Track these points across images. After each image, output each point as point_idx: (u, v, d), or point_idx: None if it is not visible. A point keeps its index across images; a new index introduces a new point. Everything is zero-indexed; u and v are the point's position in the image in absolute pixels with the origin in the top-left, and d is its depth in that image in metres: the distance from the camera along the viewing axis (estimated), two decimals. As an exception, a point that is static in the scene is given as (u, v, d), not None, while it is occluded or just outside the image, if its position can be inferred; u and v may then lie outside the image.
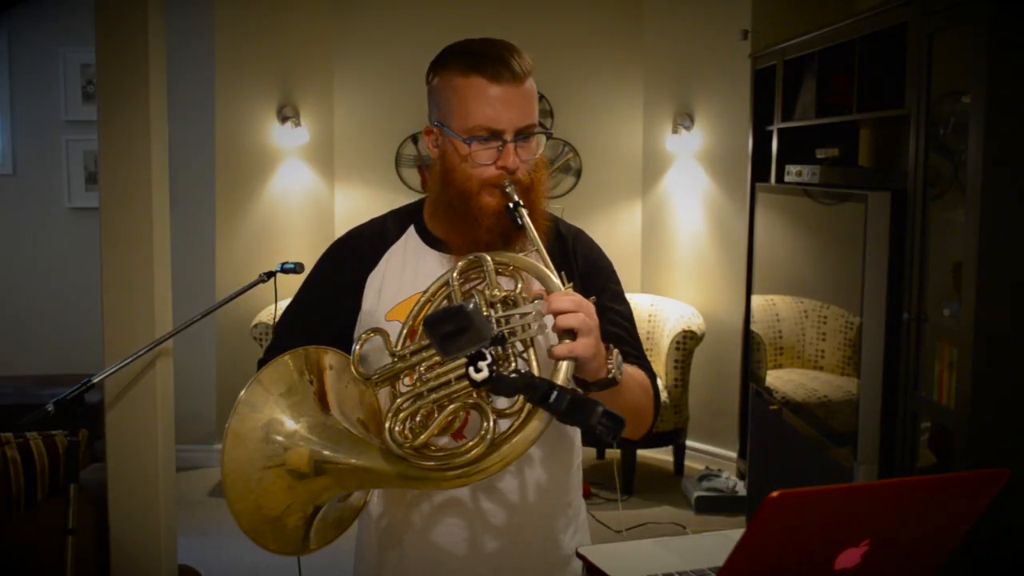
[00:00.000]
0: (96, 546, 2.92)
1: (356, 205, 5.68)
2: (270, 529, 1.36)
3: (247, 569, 3.91)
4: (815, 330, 3.50)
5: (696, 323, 4.93)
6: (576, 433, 1.64)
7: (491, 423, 1.28)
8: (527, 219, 1.42)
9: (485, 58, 1.46)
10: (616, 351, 1.34)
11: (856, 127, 3.81)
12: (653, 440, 4.92)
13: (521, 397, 1.28)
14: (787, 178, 4.02)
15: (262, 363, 1.55)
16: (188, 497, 4.71)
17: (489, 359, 1.23)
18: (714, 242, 5.21)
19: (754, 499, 4.18)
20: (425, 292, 1.43)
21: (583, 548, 1.45)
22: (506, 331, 1.30)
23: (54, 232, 5.43)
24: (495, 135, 1.46)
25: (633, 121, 5.60)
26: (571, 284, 1.35)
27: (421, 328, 1.37)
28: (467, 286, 1.40)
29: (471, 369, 1.23)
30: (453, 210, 1.50)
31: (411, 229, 1.61)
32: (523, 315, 1.30)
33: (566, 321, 1.26)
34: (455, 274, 1.40)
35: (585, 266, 1.60)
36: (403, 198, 5.62)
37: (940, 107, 2.90)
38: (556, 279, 1.35)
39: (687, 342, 4.83)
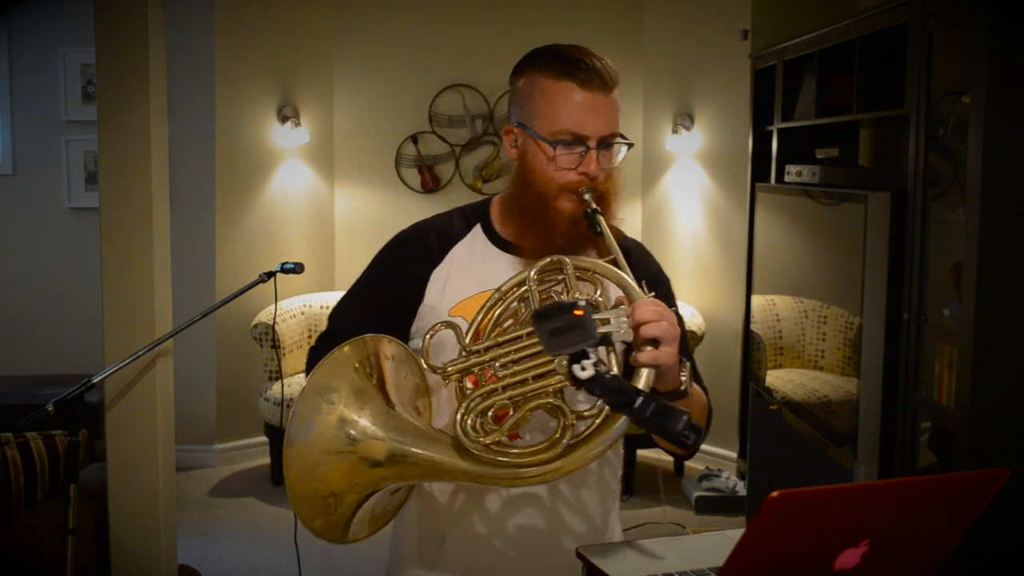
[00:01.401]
0: (96, 546, 2.92)
1: (356, 205, 5.68)
2: (319, 506, 1.37)
3: (247, 569, 3.91)
4: (815, 330, 3.50)
5: (696, 323, 4.93)
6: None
7: (569, 425, 1.30)
8: (605, 226, 1.43)
9: (577, 64, 1.47)
10: (688, 363, 1.37)
11: (856, 127, 3.80)
12: (652, 440, 4.91)
13: (599, 401, 1.29)
14: (787, 178, 4.02)
15: (314, 350, 1.58)
16: (188, 497, 4.71)
17: (594, 358, 1.22)
18: (714, 242, 5.21)
19: (754, 499, 4.18)
20: (498, 290, 1.43)
21: (583, 548, 1.45)
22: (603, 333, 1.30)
23: (54, 232, 5.43)
24: (580, 140, 1.47)
25: (633, 121, 5.59)
26: (652, 293, 1.36)
27: (518, 323, 1.40)
28: (543, 287, 1.41)
29: (576, 367, 1.21)
30: (529, 212, 1.51)
31: (477, 228, 1.62)
32: (617, 320, 1.30)
33: (650, 331, 1.28)
34: (533, 273, 1.41)
35: (645, 279, 1.61)
36: (403, 198, 5.64)
37: (940, 107, 2.90)
38: (637, 288, 1.36)
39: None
